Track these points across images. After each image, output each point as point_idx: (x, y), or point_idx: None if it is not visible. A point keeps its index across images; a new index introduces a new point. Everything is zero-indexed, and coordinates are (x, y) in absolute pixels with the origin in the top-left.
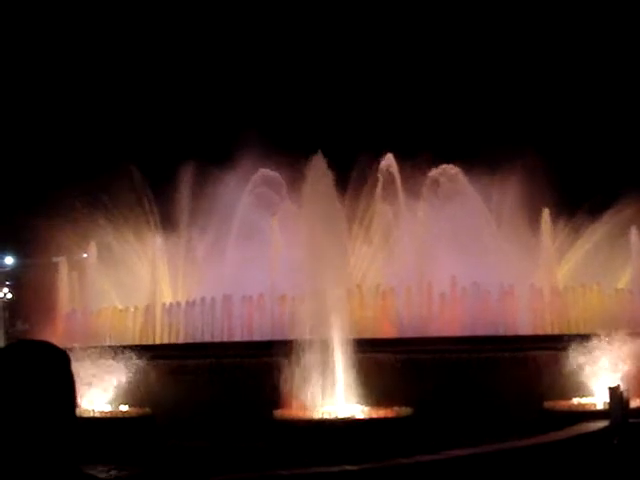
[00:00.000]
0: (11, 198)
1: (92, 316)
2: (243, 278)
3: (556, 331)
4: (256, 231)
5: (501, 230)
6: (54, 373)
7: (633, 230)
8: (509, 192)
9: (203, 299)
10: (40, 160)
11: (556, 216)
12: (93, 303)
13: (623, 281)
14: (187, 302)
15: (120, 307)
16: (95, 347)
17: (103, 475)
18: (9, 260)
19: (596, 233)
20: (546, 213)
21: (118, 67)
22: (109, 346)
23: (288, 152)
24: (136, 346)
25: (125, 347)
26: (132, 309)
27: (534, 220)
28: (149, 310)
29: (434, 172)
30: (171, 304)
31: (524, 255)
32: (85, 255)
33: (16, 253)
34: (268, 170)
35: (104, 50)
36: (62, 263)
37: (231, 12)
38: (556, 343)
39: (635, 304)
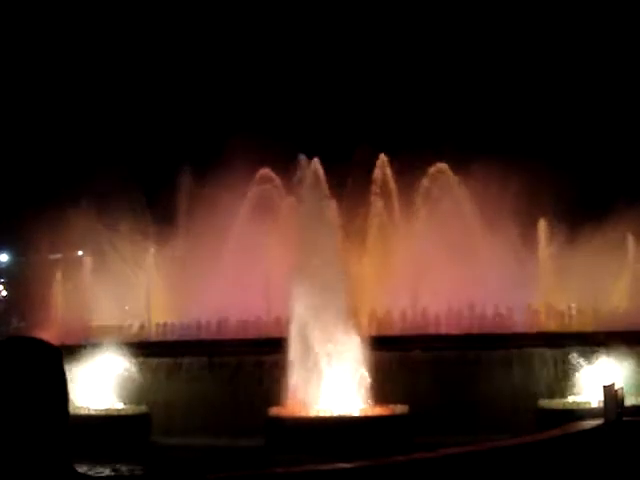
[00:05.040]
0: (7, 196)
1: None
2: (239, 294)
3: None
4: (252, 246)
5: (497, 246)
6: (45, 370)
7: (630, 237)
8: (506, 205)
9: (198, 322)
10: (37, 161)
11: (553, 226)
12: (88, 311)
13: (620, 283)
14: (182, 324)
15: (114, 324)
16: (91, 345)
17: (99, 474)
18: (4, 257)
19: (592, 245)
20: (542, 223)
21: (116, 76)
22: (105, 344)
23: (283, 160)
24: (132, 344)
25: (121, 344)
26: (126, 326)
27: (530, 232)
28: (143, 329)
29: (431, 185)
30: (165, 324)
31: (521, 270)
32: (80, 253)
33: (11, 250)
34: (266, 172)
35: (102, 55)
36: (58, 273)
37: (227, 12)
38: (551, 341)
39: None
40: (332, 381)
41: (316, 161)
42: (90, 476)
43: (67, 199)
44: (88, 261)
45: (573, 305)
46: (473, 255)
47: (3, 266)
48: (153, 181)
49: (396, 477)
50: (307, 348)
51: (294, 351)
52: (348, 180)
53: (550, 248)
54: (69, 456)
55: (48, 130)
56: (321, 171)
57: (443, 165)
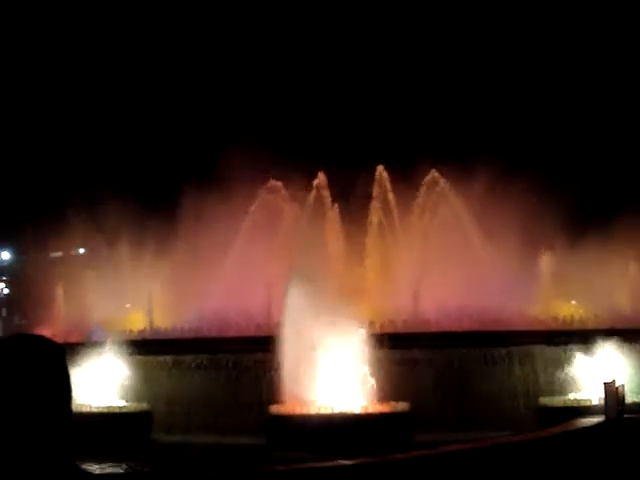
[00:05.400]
0: (9, 196)
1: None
2: (240, 300)
3: None
4: (253, 257)
5: (498, 255)
6: (48, 367)
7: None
8: (506, 216)
9: (198, 328)
10: (39, 166)
11: (554, 233)
12: (89, 309)
13: (621, 295)
14: (182, 328)
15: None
16: (92, 342)
17: (100, 471)
18: (6, 255)
19: (594, 255)
20: (547, 257)
21: (118, 87)
22: (107, 341)
23: (285, 171)
24: (134, 341)
25: (123, 342)
26: (127, 332)
27: (529, 237)
28: (144, 334)
29: (429, 197)
30: (166, 330)
31: (521, 276)
32: (81, 250)
33: (13, 248)
34: (270, 182)
35: (104, 64)
36: (59, 271)
37: (228, 30)
38: (551, 339)
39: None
40: (333, 379)
41: (321, 175)
42: (92, 473)
43: (68, 205)
44: (92, 275)
45: (574, 302)
46: (472, 263)
47: (5, 264)
48: (154, 184)
49: (397, 474)
50: (308, 346)
51: (294, 349)
52: (350, 190)
53: (551, 264)
54: (72, 453)
55: (50, 136)
56: (325, 184)
57: (439, 174)
